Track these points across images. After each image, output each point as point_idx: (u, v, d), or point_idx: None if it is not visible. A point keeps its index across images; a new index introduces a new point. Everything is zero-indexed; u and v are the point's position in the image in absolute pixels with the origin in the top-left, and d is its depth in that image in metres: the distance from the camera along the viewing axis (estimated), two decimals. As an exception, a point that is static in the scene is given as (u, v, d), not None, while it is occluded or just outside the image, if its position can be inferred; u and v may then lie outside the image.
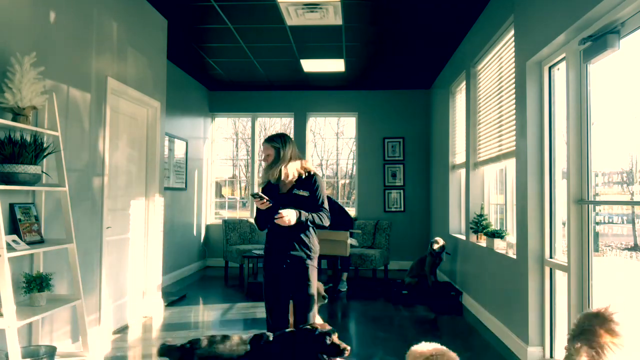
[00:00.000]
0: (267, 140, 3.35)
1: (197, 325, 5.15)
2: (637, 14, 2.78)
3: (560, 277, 3.71)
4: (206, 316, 5.57)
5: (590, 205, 3.32)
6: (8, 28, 3.13)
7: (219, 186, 10.15)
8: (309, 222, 3.18)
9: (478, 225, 5.53)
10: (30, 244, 3.10)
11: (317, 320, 3.33)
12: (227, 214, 9.94)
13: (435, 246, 6.47)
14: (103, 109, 4.30)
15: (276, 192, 3.28)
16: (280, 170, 3.25)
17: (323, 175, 11.98)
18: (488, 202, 5.76)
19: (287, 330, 2.92)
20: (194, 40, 6.32)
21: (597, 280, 3.26)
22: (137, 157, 5.18)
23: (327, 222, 3.26)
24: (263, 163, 3.40)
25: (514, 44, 4.32)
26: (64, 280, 3.69)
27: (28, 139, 3.09)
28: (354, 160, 9.05)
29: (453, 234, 6.80)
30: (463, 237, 6.23)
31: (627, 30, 2.88)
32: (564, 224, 3.66)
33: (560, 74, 3.79)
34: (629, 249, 3.26)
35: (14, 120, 3.00)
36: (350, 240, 6.82)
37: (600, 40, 3.01)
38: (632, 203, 3.08)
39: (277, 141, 3.31)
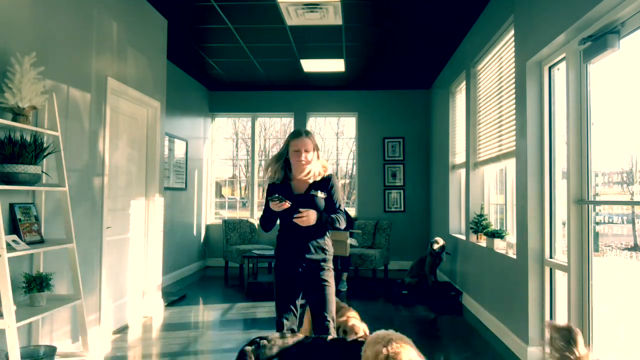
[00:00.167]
0: (305, 133, 3.03)
1: (197, 325, 5.15)
2: (637, 14, 2.78)
3: (560, 277, 3.71)
4: (206, 316, 5.57)
5: (590, 205, 3.31)
6: (8, 28, 3.13)
7: (219, 186, 10.15)
8: (327, 224, 3.01)
9: (478, 225, 5.53)
10: (30, 244, 3.10)
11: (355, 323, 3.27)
12: (227, 214, 9.94)
13: (435, 246, 6.47)
14: (103, 109, 4.30)
15: (288, 193, 3.02)
16: (311, 170, 3.02)
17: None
18: (488, 202, 5.76)
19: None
20: (194, 40, 6.32)
21: (597, 280, 3.26)
22: (137, 157, 5.18)
23: (343, 225, 3.07)
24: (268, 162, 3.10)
25: (514, 44, 4.32)
26: (64, 280, 3.69)
27: (28, 139, 3.10)
28: (354, 160, 9.05)
29: (453, 234, 6.80)
30: (463, 237, 6.23)
31: (627, 30, 2.88)
32: (564, 224, 3.66)
33: (560, 74, 3.79)
34: (629, 249, 3.26)
35: (14, 120, 3.01)
36: (350, 240, 6.82)
37: (600, 40, 3.01)
38: (632, 203, 3.08)
39: (313, 136, 3.04)
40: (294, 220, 2.90)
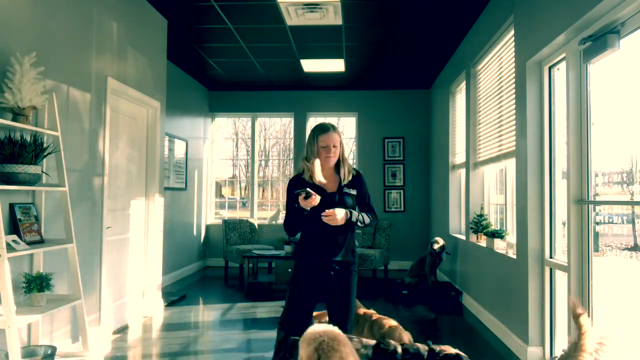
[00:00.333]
0: (332, 127, 2.88)
1: (197, 325, 5.15)
2: (637, 14, 2.78)
3: (560, 277, 3.71)
4: (206, 316, 5.57)
5: (590, 205, 3.31)
6: (8, 28, 3.13)
7: (219, 186, 10.15)
8: (358, 223, 2.83)
9: (478, 225, 5.53)
10: (30, 244, 3.10)
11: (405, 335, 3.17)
12: (227, 214, 9.94)
13: (436, 246, 6.47)
14: (103, 109, 4.30)
15: (321, 192, 2.81)
16: (343, 167, 2.89)
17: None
18: (488, 202, 5.76)
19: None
20: (194, 40, 6.32)
21: (597, 280, 3.26)
22: (137, 157, 5.18)
23: (373, 222, 2.92)
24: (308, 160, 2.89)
25: (514, 44, 4.32)
26: (64, 280, 3.69)
27: (28, 139, 3.10)
28: (354, 160, 9.05)
29: (453, 234, 6.80)
30: (463, 237, 6.23)
31: (627, 30, 2.88)
32: (564, 224, 3.66)
33: (560, 74, 3.79)
34: (629, 249, 3.26)
35: (14, 120, 3.00)
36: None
37: (600, 40, 3.01)
38: (632, 203, 3.08)
39: (339, 131, 2.88)
40: (323, 219, 2.71)
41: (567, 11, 3.25)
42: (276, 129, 13.78)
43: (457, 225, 6.94)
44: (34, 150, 3.03)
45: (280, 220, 9.26)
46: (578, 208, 3.39)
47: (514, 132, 4.37)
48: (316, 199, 2.69)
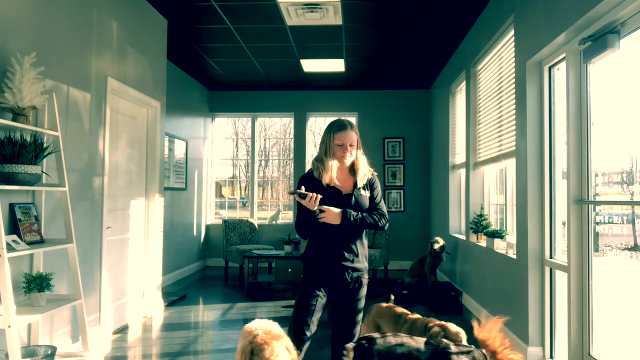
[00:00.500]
0: (350, 125, 2.69)
1: (197, 325, 5.15)
2: (637, 14, 2.78)
3: (560, 277, 3.71)
4: (206, 316, 5.57)
5: (590, 205, 3.31)
6: (8, 28, 3.13)
7: (219, 186, 10.15)
8: (358, 222, 2.64)
9: (478, 225, 5.53)
10: (30, 244, 3.10)
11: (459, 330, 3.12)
12: (227, 214, 9.94)
13: (436, 246, 6.47)
14: (103, 109, 4.30)
15: (337, 194, 2.68)
16: (360, 168, 2.73)
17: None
18: (488, 202, 5.76)
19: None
20: (194, 40, 6.32)
21: (597, 280, 3.26)
22: (137, 157, 5.18)
23: (383, 222, 2.73)
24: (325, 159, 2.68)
25: (514, 44, 4.32)
26: (64, 280, 3.69)
27: (28, 139, 3.10)
28: (354, 160, 9.05)
29: (453, 234, 6.80)
30: (463, 237, 6.23)
31: (627, 30, 2.88)
32: (564, 224, 3.66)
33: (560, 74, 3.79)
34: (629, 249, 3.26)
35: (14, 120, 3.01)
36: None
37: (600, 40, 3.01)
38: (632, 203, 3.08)
39: (356, 129, 2.72)
40: (320, 220, 2.59)
41: (567, 11, 3.25)
42: (276, 129, 13.77)
43: (457, 225, 6.94)
44: (34, 150, 3.03)
45: (280, 220, 9.27)
46: (578, 208, 3.39)
47: (513, 132, 4.37)
48: (315, 198, 2.54)
